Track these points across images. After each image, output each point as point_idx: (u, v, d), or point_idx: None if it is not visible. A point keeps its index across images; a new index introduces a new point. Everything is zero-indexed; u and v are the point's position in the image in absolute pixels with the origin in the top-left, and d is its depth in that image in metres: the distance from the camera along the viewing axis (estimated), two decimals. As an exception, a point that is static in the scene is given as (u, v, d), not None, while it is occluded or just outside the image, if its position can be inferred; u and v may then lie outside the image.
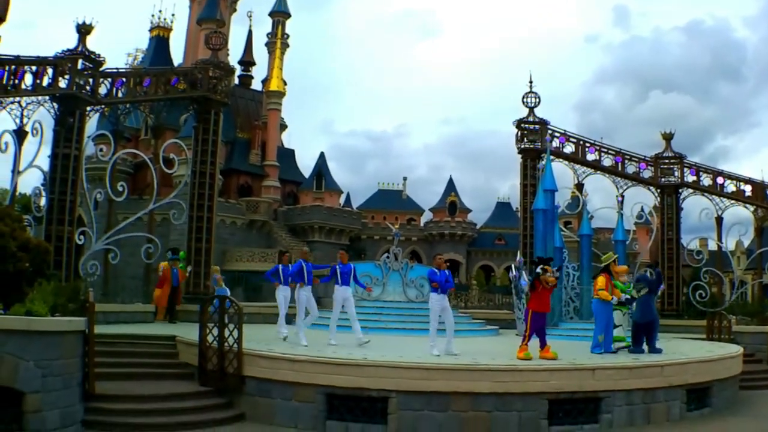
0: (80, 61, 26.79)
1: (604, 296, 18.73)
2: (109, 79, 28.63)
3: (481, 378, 14.69)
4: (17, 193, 27.04)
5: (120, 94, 29.11)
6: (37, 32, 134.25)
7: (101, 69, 27.92)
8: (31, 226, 23.67)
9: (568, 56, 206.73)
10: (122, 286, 29.67)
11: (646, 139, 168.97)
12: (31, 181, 63.87)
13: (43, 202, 26.36)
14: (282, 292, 20.40)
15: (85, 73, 27.01)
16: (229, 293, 25.18)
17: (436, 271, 17.63)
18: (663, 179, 36.93)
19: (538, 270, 17.38)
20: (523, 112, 37.55)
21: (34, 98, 25.98)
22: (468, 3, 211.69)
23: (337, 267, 19.61)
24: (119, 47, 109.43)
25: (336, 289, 19.46)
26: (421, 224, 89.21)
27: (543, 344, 16.94)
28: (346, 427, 14.76)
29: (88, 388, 14.57)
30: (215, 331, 16.60)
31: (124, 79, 29.44)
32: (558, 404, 14.88)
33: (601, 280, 18.98)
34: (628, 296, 19.54)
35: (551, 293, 17.85)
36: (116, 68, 30.64)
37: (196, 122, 31.24)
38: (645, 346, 19.22)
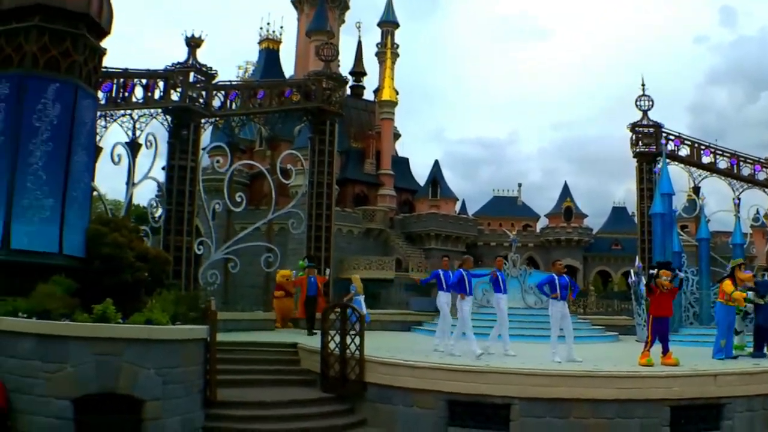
0: (192, 74, 27.11)
1: (738, 298, 18.27)
2: (223, 92, 28.99)
3: (604, 385, 14.41)
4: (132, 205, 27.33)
5: (234, 107, 29.45)
6: (138, 44, 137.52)
7: (214, 82, 28.13)
8: (148, 237, 23.84)
9: (678, 57, 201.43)
10: (241, 295, 29.88)
11: (758, 140, 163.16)
12: (144, 193, 65.17)
13: (158, 213, 26.63)
14: (443, 298, 18.83)
15: (198, 86, 27.26)
16: (364, 304, 24.89)
17: (556, 277, 17.38)
18: (777, 181, 35.94)
19: (652, 272, 17.03)
20: (637, 115, 37.16)
21: (146, 111, 26.33)
22: (574, 6, 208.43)
23: (498, 275, 19.20)
24: (227, 60, 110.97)
25: (500, 298, 19.03)
26: (537, 230, 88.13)
27: (665, 350, 16.48)
28: (468, 434, 14.64)
29: (209, 395, 14.53)
30: (337, 338, 16.59)
31: (237, 92, 29.83)
32: (679, 411, 14.37)
33: (728, 285, 18.57)
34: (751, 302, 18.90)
35: (673, 298, 17.55)
36: (229, 81, 30.98)
37: (311, 133, 31.51)
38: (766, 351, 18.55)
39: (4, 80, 14.32)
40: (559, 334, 17.25)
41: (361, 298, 25.58)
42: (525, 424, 14.15)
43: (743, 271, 19.79)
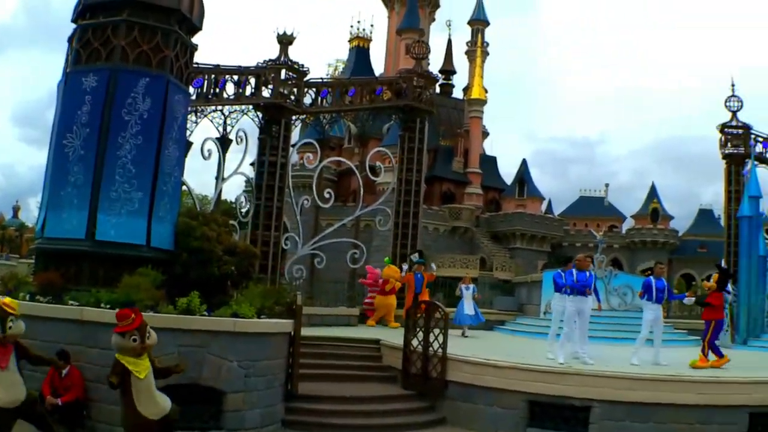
0: (283, 71, 27.27)
1: None
2: (314, 89, 29.07)
3: (685, 390, 14.14)
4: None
5: (325, 104, 29.56)
6: (226, 40, 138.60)
7: (305, 79, 28.34)
8: (236, 231, 24.15)
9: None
10: (325, 291, 30.10)
11: None
12: (231, 188, 66.17)
13: (246, 208, 26.93)
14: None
15: (289, 83, 27.46)
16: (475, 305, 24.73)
17: (652, 279, 16.99)
18: None
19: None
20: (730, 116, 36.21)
21: (237, 107, 26.41)
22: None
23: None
24: (317, 58, 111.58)
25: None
26: (623, 231, 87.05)
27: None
28: (547, 435, 14.54)
29: (291, 388, 14.67)
30: (420, 336, 16.57)
31: (328, 89, 29.90)
32: (759, 418, 13.96)
33: None
34: None
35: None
36: (320, 78, 31.16)
37: (401, 131, 31.46)
38: None
39: (92, 74, 14.37)
40: (648, 338, 16.90)
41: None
42: (604, 427, 14.02)
43: None
